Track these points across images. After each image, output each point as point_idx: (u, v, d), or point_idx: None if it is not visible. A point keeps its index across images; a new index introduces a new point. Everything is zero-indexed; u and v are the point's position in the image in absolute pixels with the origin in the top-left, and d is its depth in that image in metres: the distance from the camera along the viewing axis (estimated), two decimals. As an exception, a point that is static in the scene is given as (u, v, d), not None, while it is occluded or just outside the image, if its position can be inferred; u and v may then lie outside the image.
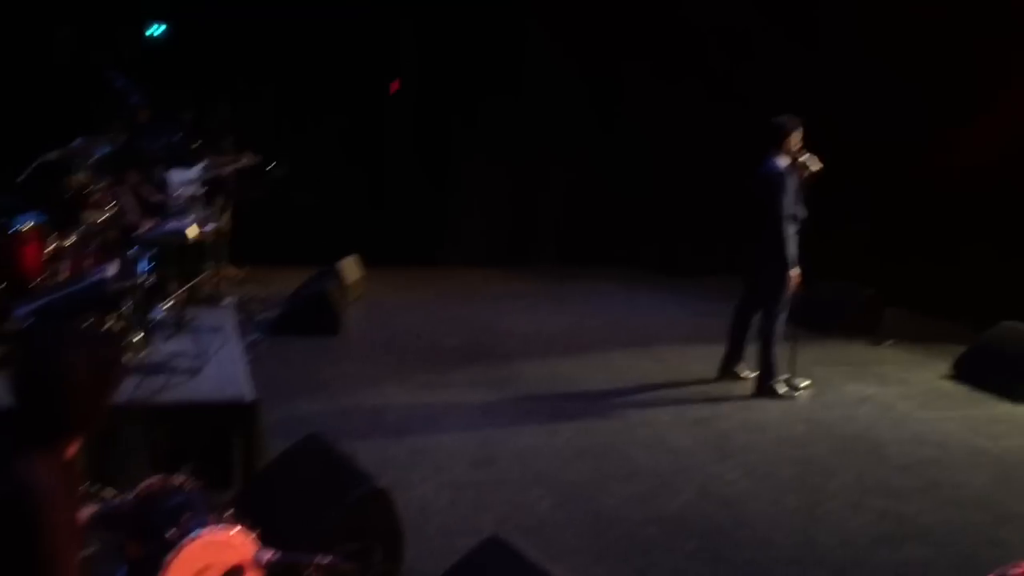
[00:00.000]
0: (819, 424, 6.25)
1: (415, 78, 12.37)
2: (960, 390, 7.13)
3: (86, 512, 2.60)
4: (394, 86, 12.47)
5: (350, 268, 9.64)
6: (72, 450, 2.51)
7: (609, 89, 12.40)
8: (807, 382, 6.96)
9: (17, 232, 5.44)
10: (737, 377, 7.14)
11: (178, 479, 2.62)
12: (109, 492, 3.44)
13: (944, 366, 7.62)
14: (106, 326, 5.04)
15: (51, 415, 2.41)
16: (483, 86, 12.22)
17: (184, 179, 8.96)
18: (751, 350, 7.04)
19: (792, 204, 6.59)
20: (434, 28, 12.00)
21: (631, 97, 12.27)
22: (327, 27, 11.54)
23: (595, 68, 12.39)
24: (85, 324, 4.14)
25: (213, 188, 9.44)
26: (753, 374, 6.96)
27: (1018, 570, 1.81)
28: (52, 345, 2.46)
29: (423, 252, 12.01)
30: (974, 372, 7.29)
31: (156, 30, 11.72)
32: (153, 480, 2.57)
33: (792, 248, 6.61)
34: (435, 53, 12.13)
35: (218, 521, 2.46)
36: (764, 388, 6.81)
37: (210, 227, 7.96)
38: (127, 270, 5.53)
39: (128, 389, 4.76)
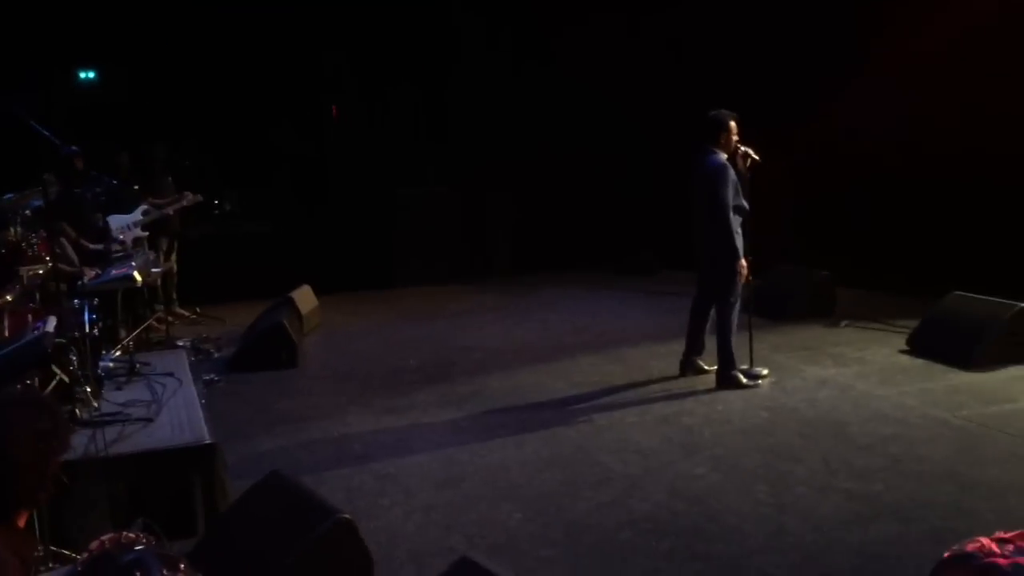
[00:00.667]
0: (782, 410, 6.29)
1: (352, 103, 12.38)
2: (916, 364, 7.22)
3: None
4: (335, 110, 12.49)
5: (304, 298, 9.56)
6: (22, 519, 2.44)
7: (546, 91, 12.46)
8: (766, 371, 7.01)
9: (-47, 294, 5.32)
10: (701, 371, 7.16)
11: (130, 534, 2.55)
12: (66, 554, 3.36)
13: (900, 342, 7.72)
14: (50, 384, 4.94)
15: (10, 491, 2.34)
16: (418, 104, 12.28)
17: (126, 223, 8.87)
18: (711, 343, 7.07)
19: (735, 196, 6.65)
20: (364, 54, 12.03)
21: (569, 97, 12.32)
22: (261, 59, 11.52)
23: (528, 67, 12.46)
24: (25, 386, 4.04)
25: (156, 230, 9.34)
26: (714, 367, 7.00)
27: (975, 545, 1.81)
28: (7, 419, 2.39)
29: (377, 275, 11.96)
30: (928, 345, 7.39)
31: (87, 76, 11.61)
32: (104, 538, 2.49)
33: (738, 240, 6.67)
34: (368, 78, 12.16)
35: (173, 574, 2.39)
36: (725, 380, 6.84)
37: (157, 270, 7.85)
38: (71, 321, 5.42)
39: (82, 443, 4.68)
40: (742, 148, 6.81)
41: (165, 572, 2.28)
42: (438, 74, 12.31)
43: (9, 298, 5.60)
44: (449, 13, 12.25)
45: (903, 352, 7.53)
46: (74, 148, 6.54)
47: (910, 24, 9.01)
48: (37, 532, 3.83)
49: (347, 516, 3.86)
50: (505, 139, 12.31)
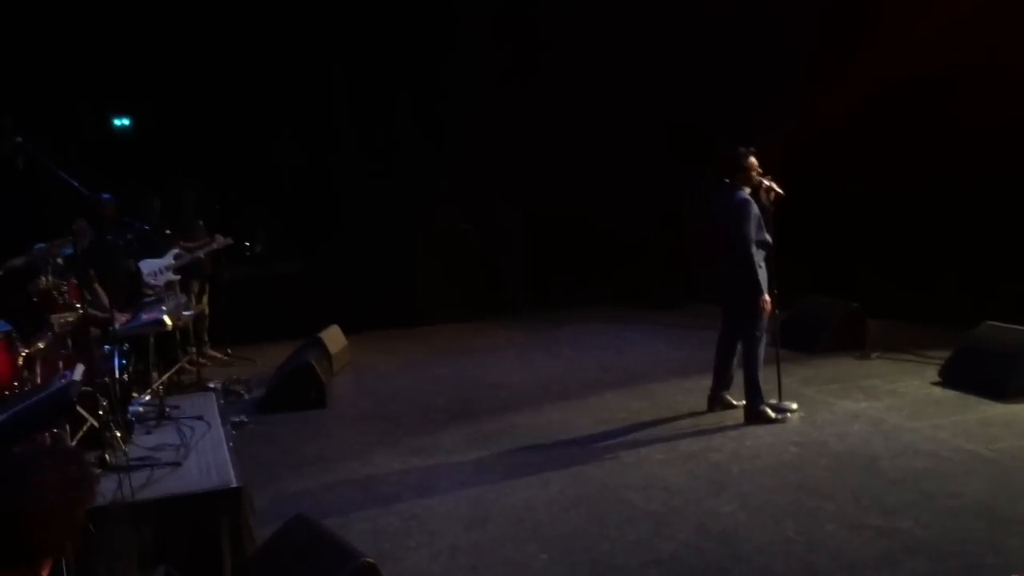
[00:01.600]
0: (811, 445, 6.22)
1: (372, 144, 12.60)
2: (949, 396, 7.12)
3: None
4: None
5: (333, 338, 9.63)
6: (46, 569, 2.47)
7: (567, 126, 12.54)
8: (795, 405, 6.94)
9: (-14, 342, 5.42)
10: (729, 405, 7.11)
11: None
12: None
13: (932, 373, 7.62)
14: (81, 429, 5.01)
15: (21, 540, 2.37)
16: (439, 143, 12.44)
17: (157, 267, 9.01)
18: (739, 377, 7.02)
19: (758, 231, 6.64)
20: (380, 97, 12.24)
21: (591, 132, 12.39)
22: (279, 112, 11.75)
23: (547, 102, 12.57)
24: (54, 433, 4.11)
25: (188, 273, 9.48)
26: (743, 402, 6.94)
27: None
28: (16, 471, 2.43)
29: (405, 314, 12.03)
30: (961, 376, 7.28)
31: (121, 123, 11.85)
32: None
33: (762, 275, 6.65)
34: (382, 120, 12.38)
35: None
36: (754, 415, 6.79)
37: (188, 313, 7.95)
38: (101, 367, 5.50)
39: (110, 489, 4.73)
40: (765, 182, 6.81)
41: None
42: (457, 113, 12.46)
43: (41, 345, 5.70)
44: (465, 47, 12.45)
45: (935, 384, 7.43)
46: (106, 196, 6.68)
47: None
48: (65, 578, 3.88)
49: (371, 560, 3.86)
50: (527, 175, 12.40)
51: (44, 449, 2.78)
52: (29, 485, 2.36)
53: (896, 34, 9.14)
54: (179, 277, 9.23)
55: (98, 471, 5.02)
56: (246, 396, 8.65)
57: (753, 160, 6.75)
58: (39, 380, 5.43)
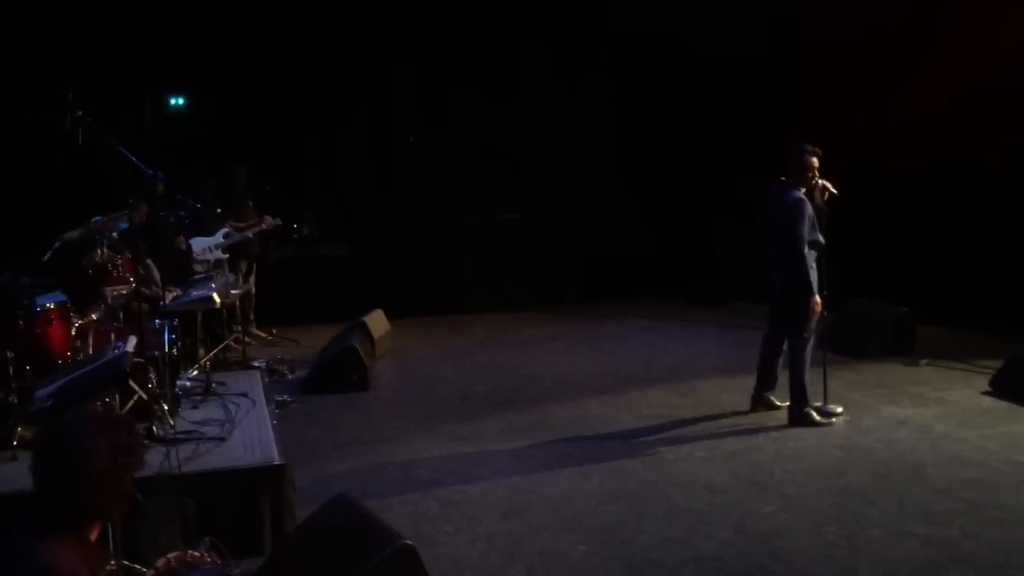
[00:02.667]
0: (856, 450, 6.13)
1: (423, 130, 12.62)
2: (999, 406, 6.97)
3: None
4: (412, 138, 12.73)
5: (377, 322, 9.68)
6: (95, 533, 2.51)
7: (615, 119, 12.50)
8: (840, 409, 6.85)
9: (42, 311, 5.52)
10: (772, 406, 7.04)
11: (195, 553, 2.61)
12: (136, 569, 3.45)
13: (982, 383, 7.47)
14: (129, 401, 5.09)
15: (71, 503, 2.42)
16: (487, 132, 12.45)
17: (207, 245, 9.12)
18: (783, 379, 6.95)
19: (811, 231, 6.55)
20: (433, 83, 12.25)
21: (641, 130, 12.34)
22: (337, 89, 11.81)
23: (594, 95, 12.51)
24: (105, 402, 4.17)
25: (236, 253, 9.59)
26: (786, 404, 6.86)
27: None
28: (69, 436, 2.47)
29: (448, 301, 12.07)
30: (1012, 386, 7.12)
31: (176, 102, 12.02)
32: (170, 556, 2.56)
33: (813, 275, 6.56)
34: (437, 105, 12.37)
35: (235, 594, 2.45)
36: (798, 417, 6.71)
37: (235, 291, 8.04)
38: (152, 341, 5.58)
39: (157, 460, 4.81)
40: (821, 182, 6.71)
41: (227, 591, 2.33)
42: (505, 101, 12.46)
43: (94, 317, 5.81)
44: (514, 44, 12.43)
45: (985, 393, 7.28)
46: (159, 173, 6.76)
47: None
48: (111, 546, 3.95)
49: (410, 542, 3.87)
50: (574, 167, 12.37)
51: (95, 415, 2.82)
52: (80, 449, 2.41)
53: (967, 38, 8.98)
54: (227, 256, 9.36)
55: (146, 442, 5.11)
56: (289, 376, 8.74)
57: (815, 161, 6.65)
58: (91, 351, 5.53)
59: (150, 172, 6.08)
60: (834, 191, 6.74)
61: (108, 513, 2.49)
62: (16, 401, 5.23)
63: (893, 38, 9.65)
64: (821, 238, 6.62)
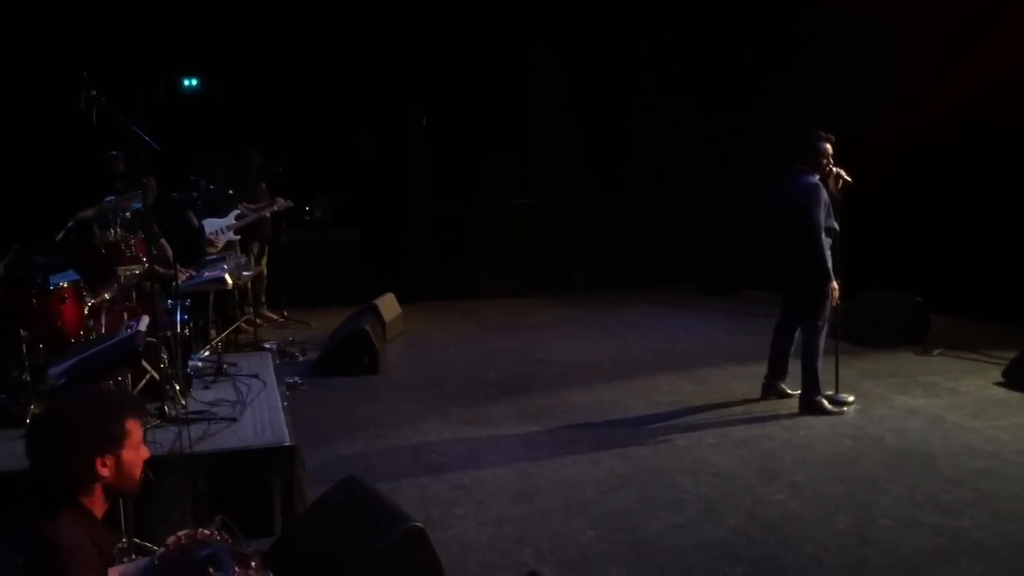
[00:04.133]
0: (867, 439, 6.11)
1: (438, 111, 12.57)
2: (1012, 397, 6.93)
3: (115, 571, 2.61)
4: (424, 120, 12.69)
5: (388, 306, 9.69)
6: (99, 508, 2.52)
7: (625, 107, 12.45)
8: (852, 398, 6.83)
9: (55, 290, 5.55)
10: (783, 394, 7.02)
11: (206, 531, 2.62)
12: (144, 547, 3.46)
13: (995, 373, 7.43)
14: (142, 381, 5.11)
15: (50, 476, 2.43)
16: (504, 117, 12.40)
17: (219, 227, 9.14)
18: (794, 367, 6.92)
19: (826, 218, 6.51)
20: (449, 63, 12.19)
21: (649, 117, 12.29)
22: (351, 70, 11.78)
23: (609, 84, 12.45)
24: (116, 380, 4.19)
25: (248, 234, 9.61)
26: (798, 392, 6.84)
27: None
28: (49, 410, 2.48)
29: (460, 286, 12.08)
30: (1026, 378, 7.09)
31: (190, 83, 12.02)
32: (181, 534, 2.56)
33: (828, 262, 6.52)
34: (455, 88, 12.31)
35: (245, 572, 2.44)
36: (809, 405, 6.69)
37: (247, 273, 8.06)
38: (164, 321, 5.60)
39: (168, 440, 4.83)
40: (835, 170, 6.67)
41: (237, 569, 2.34)
42: (517, 88, 12.42)
43: (107, 296, 5.83)
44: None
45: (998, 384, 7.24)
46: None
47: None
48: (122, 524, 3.97)
49: (419, 524, 3.89)
50: (588, 154, 12.34)
51: (91, 391, 2.81)
52: (50, 423, 2.43)
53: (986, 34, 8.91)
54: (239, 237, 9.38)
55: (157, 421, 5.13)
56: (300, 358, 8.75)
57: (828, 147, 6.61)
58: (103, 330, 5.55)
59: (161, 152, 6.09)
60: (848, 179, 6.70)
61: (84, 485, 2.46)
62: (29, 379, 5.26)
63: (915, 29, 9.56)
64: (836, 225, 6.58)
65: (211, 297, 8.11)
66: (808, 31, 10.58)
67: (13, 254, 5.89)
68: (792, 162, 6.71)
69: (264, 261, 10.19)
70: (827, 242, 6.52)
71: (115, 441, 2.48)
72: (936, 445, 5.94)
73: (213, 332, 8.33)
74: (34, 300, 5.48)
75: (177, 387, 5.47)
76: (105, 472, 2.46)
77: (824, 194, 6.53)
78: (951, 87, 9.15)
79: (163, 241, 7.58)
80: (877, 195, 8.56)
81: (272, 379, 6.44)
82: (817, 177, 6.59)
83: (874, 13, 9.66)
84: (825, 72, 10.33)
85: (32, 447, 2.44)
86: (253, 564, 2.43)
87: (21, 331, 5.33)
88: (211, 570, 2.30)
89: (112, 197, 6.31)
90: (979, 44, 8.95)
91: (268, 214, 9.65)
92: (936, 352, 8.30)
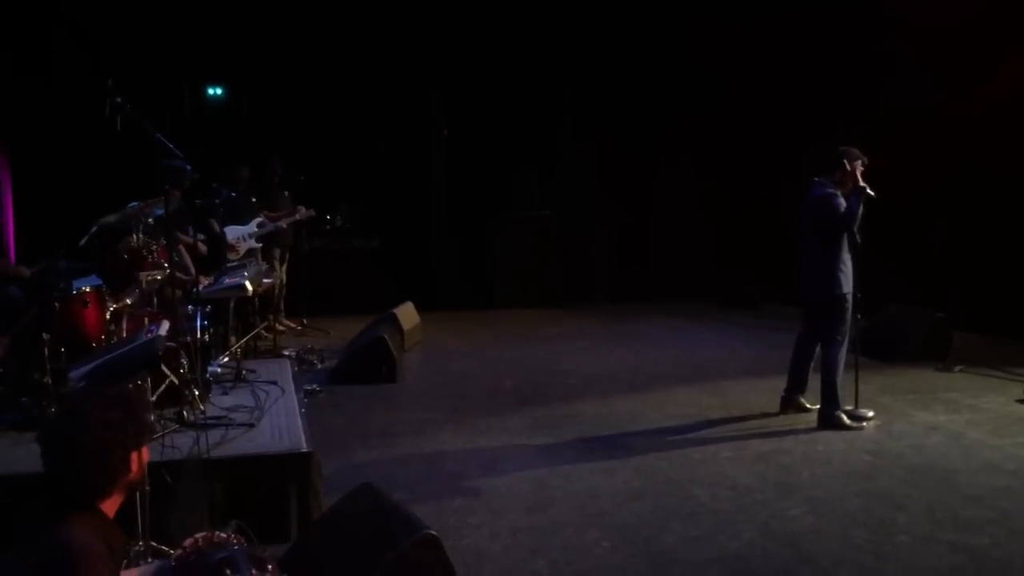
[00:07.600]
0: (886, 455, 6.06)
1: (460, 123, 12.62)
2: (1035, 415, 6.88)
3: (131, 573, 2.63)
4: (445, 132, 12.74)
5: (407, 315, 9.73)
6: (112, 509, 2.54)
7: (646, 121, 12.46)
8: (871, 413, 6.78)
9: (78, 295, 5.61)
10: (802, 409, 6.98)
11: (222, 534, 2.64)
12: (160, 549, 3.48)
13: (1018, 391, 7.37)
14: (161, 386, 5.15)
15: (68, 478, 2.44)
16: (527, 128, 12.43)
17: (241, 234, 9.21)
18: (814, 381, 6.88)
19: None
20: (471, 77, 12.25)
21: (676, 130, 12.29)
22: (374, 81, 11.86)
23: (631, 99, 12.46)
24: (136, 384, 4.23)
25: (269, 242, 9.68)
26: (816, 406, 6.80)
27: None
28: (67, 412, 2.51)
29: (479, 296, 12.10)
30: (1048, 396, 7.02)
31: (215, 92, 12.13)
32: (197, 536, 2.59)
33: (848, 275, 6.49)
34: (477, 101, 12.36)
35: (262, 575, 2.46)
36: (828, 420, 6.64)
37: (268, 280, 8.12)
38: (184, 327, 5.65)
39: (187, 444, 4.86)
40: (861, 184, 6.62)
41: (254, 572, 2.36)
42: (539, 101, 12.45)
43: (128, 301, 5.88)
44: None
45: (1020, 402, 7.17)
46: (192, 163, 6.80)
47: None
48: (139, 527, 4.00)
49: (433, 532, 3.89)
50: (608, 167, 12.35)
51: (98, 393, 2.82)
52: (70, 426, 2.45)
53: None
54: (261, 245, 9.45)
55: (175, 426, 5.17)
56: (319, 366, 8.80)
57: (857, 164, 6.54)
58: (124, 334, 5.60)
59: (188, 168, 6.15)
60: (871, 193, 6.65)
61: (102, 489, 2.48)
62: (50, 382, 5.32)
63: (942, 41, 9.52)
64: (857, 238, 6.54)
65: (231, 303, 8.17)
66: (832, 42, 10.55)
67: (49, 261, 5.98)
68: (815, 175, 6.69)
69: (283, 269, 10.26)
70: (848, 257, 6.48)
71: (151, 432, 2.51)
72: (956, 462, 5.89)
73: (233, 338, 8.39)
74: (57, 304, 5.55)
75: (196, 392, 5.51)
76: (135, 466, 2.49)
77: (842, 203, 6.49)
78: (975, 103, 9.09)
79: (183, 247, 7.64)
80: (900, 210, 8.50)
81: (291, 386, 6.46)
82: (838, 191, 6.56)
83: (906, 17, 9.62)
84: (844, 85, 10.30)
85: (60, 447, 2.44)
86: (270, 568, 2.45)
87: (43, 334, 5.40)
88: (228, 572, 2.32)
89: (135, 203, 6.37)
90: (1006, 58, 8.89)
91: (284, 224, 9.71)
92: (957, 368, 8.24)
